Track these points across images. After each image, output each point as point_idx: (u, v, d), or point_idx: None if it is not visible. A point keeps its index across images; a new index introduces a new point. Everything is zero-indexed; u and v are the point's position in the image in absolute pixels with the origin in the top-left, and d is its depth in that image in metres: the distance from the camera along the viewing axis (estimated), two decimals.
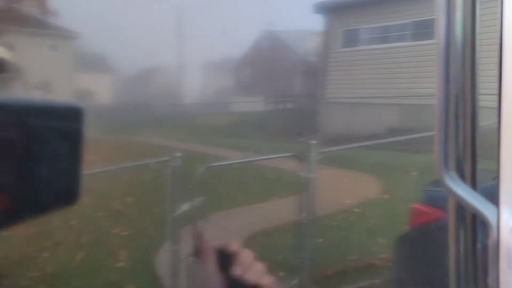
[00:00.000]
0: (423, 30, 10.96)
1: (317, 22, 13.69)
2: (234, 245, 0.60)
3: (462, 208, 0.57)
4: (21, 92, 18.20)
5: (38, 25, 20.26)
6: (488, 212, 0.51)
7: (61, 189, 0.32)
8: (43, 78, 21.74)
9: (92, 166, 3.91)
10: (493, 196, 0.51)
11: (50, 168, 0.30)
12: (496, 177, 0.50)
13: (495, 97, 0.50)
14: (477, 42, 0.55)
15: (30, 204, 0.30)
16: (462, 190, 0.54)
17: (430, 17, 10.64)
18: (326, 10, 13.03)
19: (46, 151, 0.29)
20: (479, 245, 0.57)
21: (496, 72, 0.50)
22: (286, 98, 18.62)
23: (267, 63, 28.34)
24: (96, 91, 29.35)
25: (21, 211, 0.29)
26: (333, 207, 5.25)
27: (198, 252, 0.60)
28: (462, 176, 0.56)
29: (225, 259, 0.59)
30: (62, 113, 0.32)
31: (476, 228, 0.57)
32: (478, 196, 0.53)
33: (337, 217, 5.06)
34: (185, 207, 3.50)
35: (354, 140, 6.82)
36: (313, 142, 4.83)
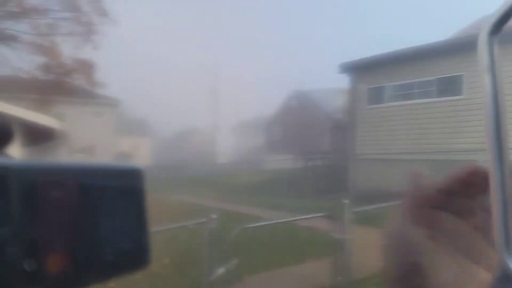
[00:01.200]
0: (447, 86, 11.12)
1: (344, 81, 14.03)
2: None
3: None
4: (66, 155, 19.00)
5: (86, 95, 21.75)
6: None
7: (130, 251, 0.31)
8: (88, 142, 23.11)
9: None
10: None
11: (115, 229, 0.30)
12: None
13: None
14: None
15: (93, 268, 0.29)
16: None
17: (453, 74, 10.80)
18: (352, 69, 13.43)
19: (108, 212, 0.30)
20: None
21: None
22: (316, 155, 18.70)
23: (298, 121, 28.81)
24: (136, 153, 30.56)
25: (84, 275, 0.28)
26: (369, 270, 5.12)
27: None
28: None
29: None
30: (122, 174, 0.32)
31: None
32: None
33: (374, 280, 4.92)
34: (220, 270, 3.54)
35: (386, 197, 6.75)
36: (346, 201, 4.80)
